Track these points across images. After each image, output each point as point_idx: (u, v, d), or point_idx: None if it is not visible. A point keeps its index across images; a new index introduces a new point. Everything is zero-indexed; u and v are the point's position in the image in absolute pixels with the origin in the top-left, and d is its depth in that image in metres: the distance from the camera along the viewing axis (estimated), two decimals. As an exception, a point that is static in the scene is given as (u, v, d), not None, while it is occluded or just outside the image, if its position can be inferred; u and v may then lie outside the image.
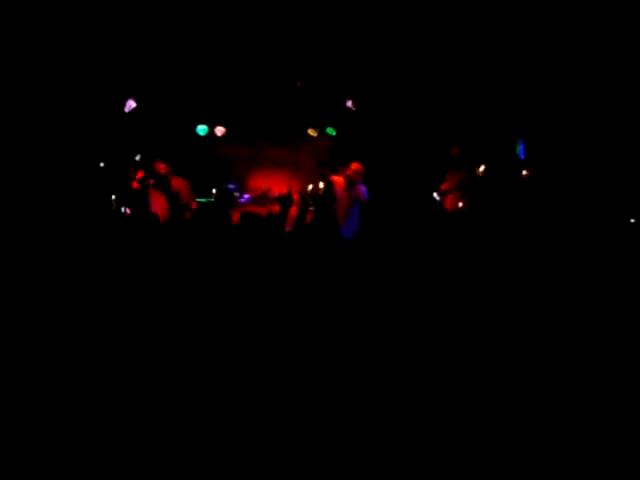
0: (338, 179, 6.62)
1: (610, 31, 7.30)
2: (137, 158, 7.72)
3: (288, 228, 7.22)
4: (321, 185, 7.06)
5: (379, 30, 7.74)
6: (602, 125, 7.84)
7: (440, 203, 6.76)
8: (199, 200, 8.07)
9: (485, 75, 8.08)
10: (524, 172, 7.72)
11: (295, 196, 8.37)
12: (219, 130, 8.84)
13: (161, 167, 6.69)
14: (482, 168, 7.07)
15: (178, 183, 6.72)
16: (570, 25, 7.21)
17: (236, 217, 6.55)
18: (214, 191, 8.13)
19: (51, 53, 7.27)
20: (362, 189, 6.57)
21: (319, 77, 8.51)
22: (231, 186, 7.97)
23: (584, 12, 7.12)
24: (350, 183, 6.50)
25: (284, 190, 6.26)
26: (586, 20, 7.24)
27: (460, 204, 6.84)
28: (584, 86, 7.81)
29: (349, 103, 8.57)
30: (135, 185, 6.59)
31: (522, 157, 8.48)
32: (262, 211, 7.69)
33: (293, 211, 8.13)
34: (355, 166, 6.57)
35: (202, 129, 8.84)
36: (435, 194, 6.81)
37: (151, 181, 6.61)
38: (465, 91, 8.21)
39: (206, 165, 8.70)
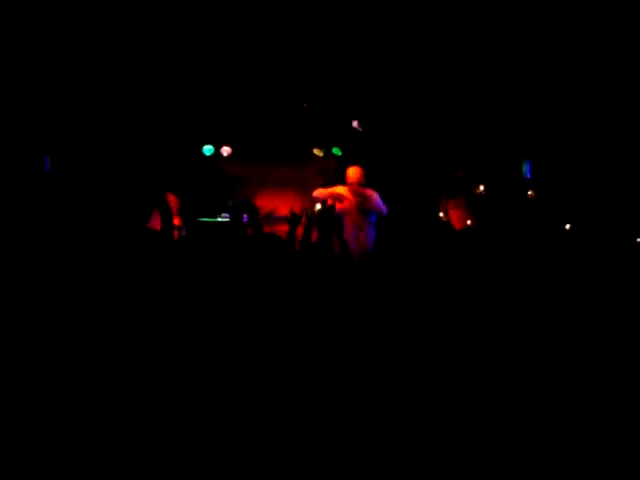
0: (342, 190, 5.93)
1: (613, 54, 7.35)
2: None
3: (297, 247, 7.20)
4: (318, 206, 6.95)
5: (385, 51, 7.80)
6: (608, 144, 7.85)
7: (447, 222, 6.75)
8: (204, 220, 8.10)
9: (493, 94, 8.11)
10: (530, 192, 7.71)
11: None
12: (225, 150, 8.88)
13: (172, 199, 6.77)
14: (482, 187, 7.06)
15: (172, 199, 6.76)
16: (574, 44, 7.25)
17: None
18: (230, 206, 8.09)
19: (51, 76, 7.35)
20: (375, 200, 5.81)
21: (325, 97, 8.56)
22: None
23: (589, 33, 7.17)
24: (356, 192, 5.78)
25: (290, 209, 6.17)
26: (589, 41, 7.28)
27: (468, 222, 6.82)
28: (590, 105, 7.83)
29: (355, 123, 8.61)
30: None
31: (528, 177, 8.48)
32: (268, 230, 7.69)
33: (299, 230, 8.12)
34: (351, 172, 5.87)
35: (208, 149, 8.88)
36: (441, 213, 6.79)
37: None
38: (471, 111, 8.24)
39: (212, 185, 8.73)
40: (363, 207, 5.78)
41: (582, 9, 6.79)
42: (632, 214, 7.29)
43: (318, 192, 6.08)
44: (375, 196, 5.82)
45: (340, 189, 5.93)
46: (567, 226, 6.47)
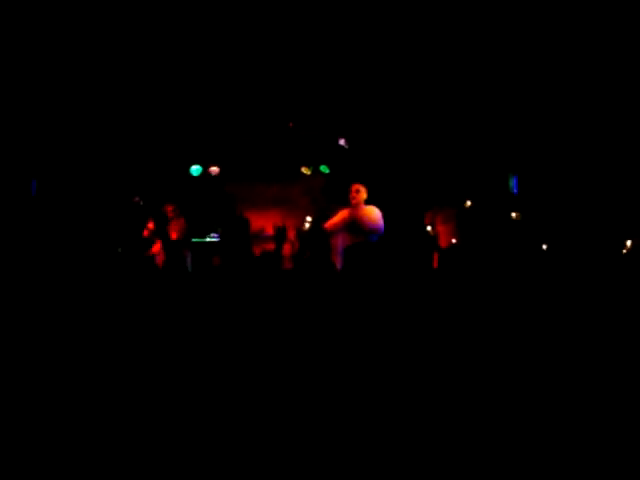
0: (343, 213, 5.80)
1: (597, 72, 7.46)
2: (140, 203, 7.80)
3: (286, 265, 7.18)
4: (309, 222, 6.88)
5: (371, 68, 7.88)
6: (594, 161, 7.94)
7: (434, 237, 6.76)
8: (195, 240, 8.09)
9: (479, 110, 8.19)
10: (513, 215, 7.75)
11: (290, 234, 8.41)
12: (213, 170, 8.91)
13: (169, 209, 6.79)
14: (469, 203, 7.09)
15: (180, 223, 6.83)
16: (559, 57, 7.35)
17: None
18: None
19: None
20: (367, 220, 5.65)
21: (312, 116, 8.62)
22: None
23: (571, 52, 7.29)
24: (350, 213, 5.67)
25: (274, 225, 6.13)
26: (573, 59, 7.40)
27: (454, 240, 6.84)
28: (576, 121, 7.93)
29: (342, 141, 8.66)
30: (146, 233, 6.67)
31: (515, 192, 8.55)
32: (257, 250, 7.70)
33: (287, 249, 8.13)
34: (351, 191, 5.77)
35: (196, 169, 8.90)
36: (429, 228, 6.80)
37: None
38: (457, 127, 8.32)
39: (200, 205, 8.74)
40: (355, 227, 5.63)
41: (562, 27, 6.92)
42: (617, 225, 7.36)
43: (329, 225, 5.89)
44: (371, 216, 5.68)
45: (343, 212, 5.81)
46: (544, 246, 6.50)
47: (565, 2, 6.71)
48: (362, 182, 6.18)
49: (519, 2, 6.95)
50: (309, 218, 8.06)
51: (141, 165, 8.56)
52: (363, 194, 5.75)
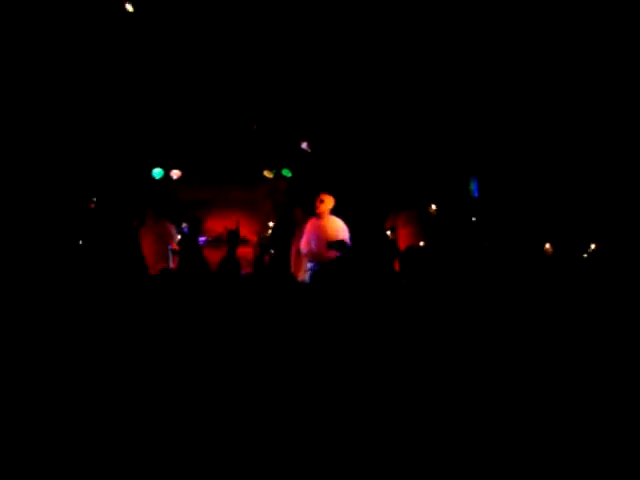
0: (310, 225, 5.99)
1: (557, 73, 7.58)
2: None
3: (246, 270, 7.12)
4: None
5: (333, 72, 7.90)
6: (554, 164, 8.05)
7: (393, 241, 6.78)
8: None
9: (440, 112, 8.25)
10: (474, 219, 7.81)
11: (252, 237, 8.35)
12: (174, 173, 8.81)
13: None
14: (434, 207, 7.14)
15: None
16: (519, 59, 7.46)
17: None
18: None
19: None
20: (334, 231, 5.78)
21: (274, 119, 8.59)
22: (185, 229, 7.87)
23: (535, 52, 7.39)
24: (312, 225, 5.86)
25: (225, 228, 6.03)
26: (536, 59, 7.51)
27: (419, 242, 6.87)
28: (536, 122, 8.03)
29: (304, 145, 8.65)
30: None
31: (475, 195, 8.62)
32: (218, 254, 7.61)
33: (249, 252, 8.07)
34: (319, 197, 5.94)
35: (157, 172, 8.80)
36: (388, 232, 6.82)
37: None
38: (419, 130, 8.36)
39: (161, 208, 8.61)
40: (319, 238, 5.79)
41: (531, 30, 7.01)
42: (580, 228, 7.47)
43: (303, 246, 6.05)
44: (335, 228, 5.82)
45: (307, 226, 5.97)
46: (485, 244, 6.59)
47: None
48: (324, 187, 6.27)
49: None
50: (271, 224, 8.03)
51: (102, 167, 8.44)
52: (328, 204, 5.84)
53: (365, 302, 5.55)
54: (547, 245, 6.55)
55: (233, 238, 5.50)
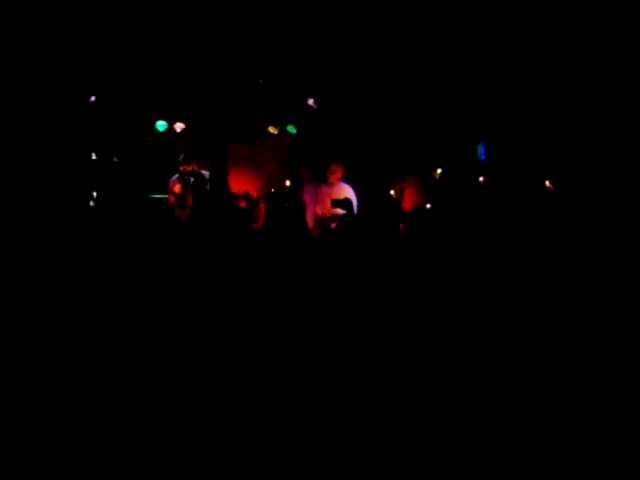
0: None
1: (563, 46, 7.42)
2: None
3: (257, 225, 7.15)
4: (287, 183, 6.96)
5: (341, 29, 7.72)
6: (562, 127, 7.92)
7: (397, 202, 6.73)
8: (155, 196, 7.94)
9: (448, 76, 8.10)
10: (481, 179, 7.77)
11: (255, 193, 8.30)
12: (178, 126, 8.71)
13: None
14: (439, 171, 7.08)
15: None
16: (525, 28, 7.29)
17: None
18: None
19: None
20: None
21: (281, 75, 8.44)
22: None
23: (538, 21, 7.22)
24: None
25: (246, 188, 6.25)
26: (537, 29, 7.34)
27: (425, 204, 6.83)
28: (545, 88, 7.88)
29: (310, 101, 8.51)
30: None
31: (482, 158, 8.52)
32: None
33: (262, 207, 8.06)
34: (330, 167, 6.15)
35: (161, 125, 8.69)
36: (392, 192, 6.77)
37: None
38: (427, 92, 8.22)
39: (164, 162, 8.53)
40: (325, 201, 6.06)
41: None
42: (583, 196, 7.39)
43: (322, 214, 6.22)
44: (345, 194, 6.01)
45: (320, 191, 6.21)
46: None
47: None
48: (330, 151, 6.39)
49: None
50: (288, 183, 7.98)
51: (108, 119, 8.36)
52: (338, 174, 6.13)
53: (369, 261, 5.62)
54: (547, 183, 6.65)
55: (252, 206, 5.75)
